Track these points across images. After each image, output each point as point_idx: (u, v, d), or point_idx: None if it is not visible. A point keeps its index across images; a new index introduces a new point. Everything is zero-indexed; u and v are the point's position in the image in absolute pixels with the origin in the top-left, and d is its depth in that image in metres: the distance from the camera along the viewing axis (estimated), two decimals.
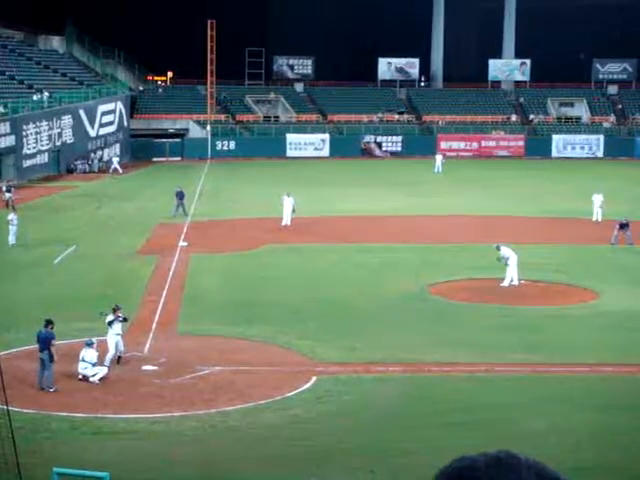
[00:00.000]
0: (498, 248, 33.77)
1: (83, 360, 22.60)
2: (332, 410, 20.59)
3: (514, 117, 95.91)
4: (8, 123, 63.44)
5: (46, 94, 72.32)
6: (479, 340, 25.99)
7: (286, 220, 46.26)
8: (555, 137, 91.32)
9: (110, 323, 23.81)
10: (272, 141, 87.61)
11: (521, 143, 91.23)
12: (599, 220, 47.60)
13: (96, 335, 24.03)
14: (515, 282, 33.31)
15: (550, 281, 34.38)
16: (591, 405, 20.92)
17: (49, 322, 22.62)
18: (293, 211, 46.17)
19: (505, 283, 33.24)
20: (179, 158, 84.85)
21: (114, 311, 23.98)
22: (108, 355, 23.38)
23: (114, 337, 23.67)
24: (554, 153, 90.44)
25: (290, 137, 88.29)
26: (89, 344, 22.90)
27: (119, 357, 23.95)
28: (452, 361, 24.07)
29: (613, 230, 41.86)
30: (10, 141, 63.47)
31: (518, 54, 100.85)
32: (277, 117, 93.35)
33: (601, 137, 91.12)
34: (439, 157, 76.59)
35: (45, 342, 22.06)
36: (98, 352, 22.92)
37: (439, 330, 27.22)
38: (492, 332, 27.01)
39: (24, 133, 65.34)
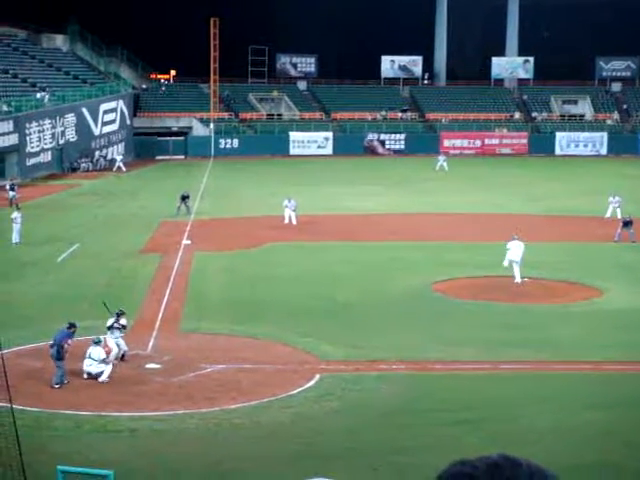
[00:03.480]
0: (513, 239, 33.81)
1: (89, 357, 22.62)
2: (335, 408, 20.58)
3: (517, 115, 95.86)
4: (11, 121, 63.50)
5: (47, 96, 72.16)
6: (483, 338, 25.97)
7: (288, 219, 46.22)
8: (559, 135, 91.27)
9: (109, 328, 23.84)
10: (275, 139, 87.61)
11: (524, 141, 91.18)
12: (618, 217, 45.64)
13: (100, 333, 24.06)
14: (517, 280, 33.24)
15: (554, 279, 34.36)
16: (595, 403, 20.89)
17: (72, 325, 22.64)
18: (294, 210, 46.19)
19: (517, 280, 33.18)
20: (182, 156, 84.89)
21: (118, 316, 23.98)
22: (112, 354, 23.40)
23: (113, 340, 23.69)
24: (557, 151, 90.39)
25: (293, 135, 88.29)
26: (97, 342, 22.92)
27: (123, 355, 23.97)
28: (456, 359, 24.06)
29: (617, 228, 41.85)
30: (13, 139, 63.53)
31: (521, 52, 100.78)
32: (280, 115, 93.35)
33: (605, 135, 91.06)
34: (442, 157, 76.50)
35: (60, 339, 22.07)
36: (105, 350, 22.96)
37: (443, 328, 27.21)
38: (496, 330, 26.99)
39: (27, 131, 65.41)
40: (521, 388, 21.99)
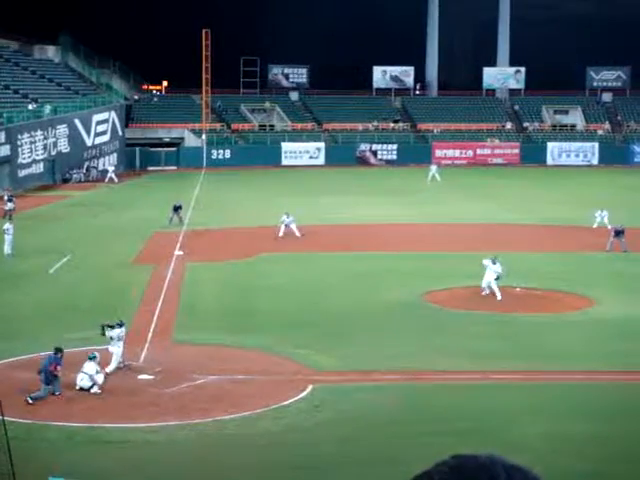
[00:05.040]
0: (494, 262, 33.14)
1: (82, 372, 22.49)
2: (328, 419, 20.56)
3: (509, 125, 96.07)
4: (3, 133, 63.41)
5: (48, 107, 72.08)
6: (475, 348, 25.97)
7: (283, 231, 45.82)
8: (550, 145, 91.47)
9: (107, 328, 23.86)
10: (267, 150, 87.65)
11: (516, 151, 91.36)
12: (608, 226, 45.41)
13: (91, 345, 24.00)
14: (486, 292, 32.90)
15: (546, 288, 34.39)
16: (587, 412, 20.91)
17: (59, 350, 22.43)
18: (286, 226, 45.79)
19: (498, 296, 32.72)
20: (175, 167, 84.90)
21: (119, 326, 24.00)
22: (112, 365, 23.34)
23: (115, 349, 23.67)
24: (549, 161, 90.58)
25: (285, 146, 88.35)
26: (91, 358, 22.75)
27: (125, 365, 23.94)
28: (448, 369, 24.05)
29: (608, 237, 41.93)
30: (5, 151, 63.44)
31: (513, 62, 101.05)
32: (272, 126, 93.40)
33: (596, 144, 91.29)
34: (434, 167, 76.20)
35: (47, 365, 21.88)
36: (98, 366, 22.79)
37: (435, 338, 27.20)
38: (488, 340, 27.01)
39: (19, 143, 65.33)
40: (513, 398, 22.00)
